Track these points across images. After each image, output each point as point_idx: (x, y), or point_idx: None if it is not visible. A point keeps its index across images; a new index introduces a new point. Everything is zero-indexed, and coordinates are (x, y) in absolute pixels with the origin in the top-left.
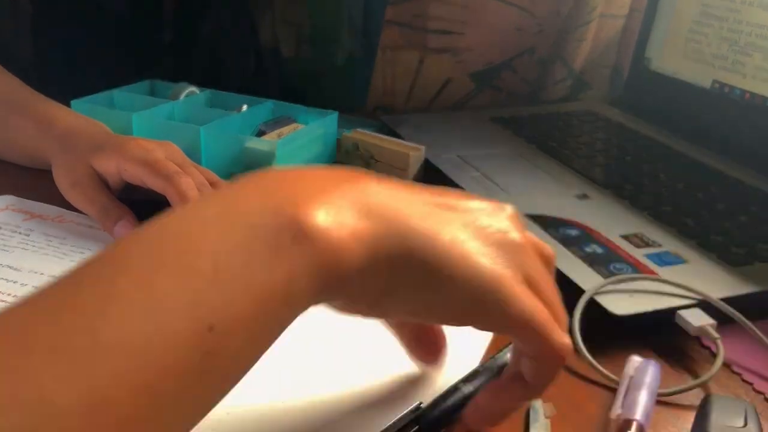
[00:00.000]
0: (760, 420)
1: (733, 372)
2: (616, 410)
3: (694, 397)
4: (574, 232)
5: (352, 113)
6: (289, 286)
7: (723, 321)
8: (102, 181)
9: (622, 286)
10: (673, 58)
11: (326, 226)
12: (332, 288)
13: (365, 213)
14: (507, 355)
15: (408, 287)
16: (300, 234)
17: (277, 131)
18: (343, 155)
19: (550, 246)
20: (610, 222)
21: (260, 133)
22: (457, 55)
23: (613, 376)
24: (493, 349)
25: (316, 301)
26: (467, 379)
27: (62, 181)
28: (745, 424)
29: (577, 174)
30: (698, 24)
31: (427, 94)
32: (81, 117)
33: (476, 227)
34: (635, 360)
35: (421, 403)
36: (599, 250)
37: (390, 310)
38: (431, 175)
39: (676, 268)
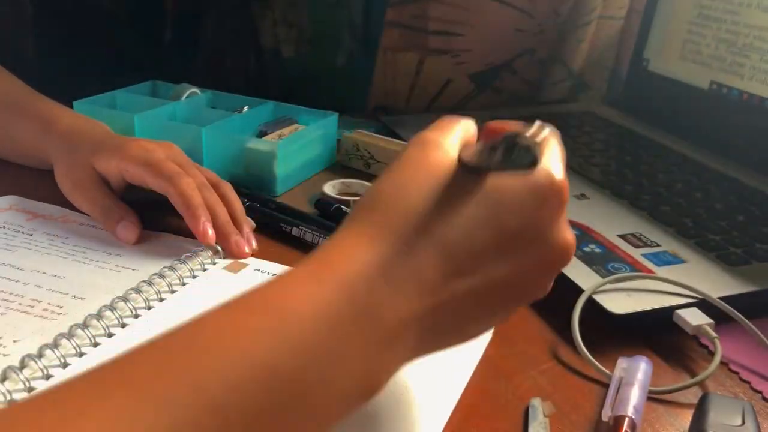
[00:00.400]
0: (757, 418)
1: (731, 371)
2: (607, 412)
3: (692, 396)
4: (573, 232)
5: (352, 114)
6: None
7: (720, 320)
8: (103, 182)
9: (621, 285)
10: (672, 59)
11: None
12: None
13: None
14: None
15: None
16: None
17: (277, 132)
18: (343, 156)
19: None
20: (609, 222)
21: (261, 134)
22: (457, 56)
23: (611, 375)
24: (487, 357)
25: None
26: None
27: (64, 182)
28: (743, 423)
29: (576, 174)
30: (696, 25)
31: (427, 95)
32: (82, 117)
33: (515, 291)
34: (623, 360)
35: None
36: (598, 250)
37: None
38: None
39: (674, 267)
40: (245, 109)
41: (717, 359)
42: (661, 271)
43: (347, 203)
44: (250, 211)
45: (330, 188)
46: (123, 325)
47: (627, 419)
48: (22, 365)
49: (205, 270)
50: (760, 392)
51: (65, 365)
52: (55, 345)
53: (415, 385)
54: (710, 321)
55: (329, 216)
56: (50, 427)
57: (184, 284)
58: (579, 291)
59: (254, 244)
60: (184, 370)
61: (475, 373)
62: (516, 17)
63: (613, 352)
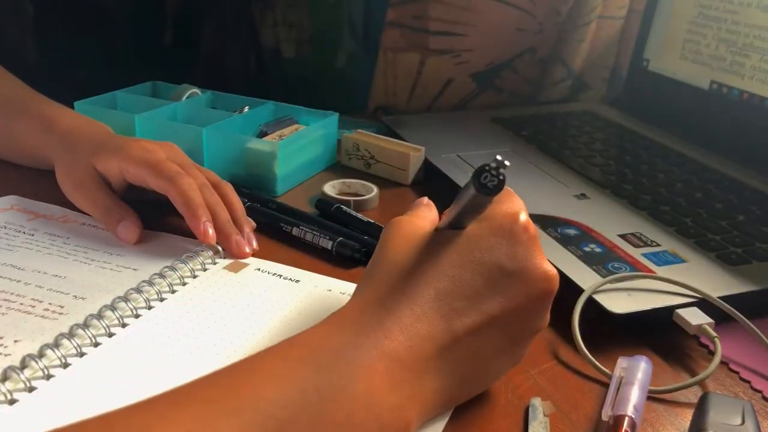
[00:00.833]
0: (757, 418)
1: (731, 370)
2: (607, 411)
3: (692, 395)
4: (573, 232)
5: (352, 114)
6: None
7: (721, 320)
8: (104, 182)
9: (621, 284)
10: (672, 59)
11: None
12: None
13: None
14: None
15: None
16: None
17: (278, 132)
18: (343, 156)
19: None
20: (609, 221)
21: (261, 134)
22: (458, 56)
23: (611, 374)
24: None
25: None
26: None
27: (65, 182)
28: (743, 422)
29: (577, 174)
30: (696, 25)
31: (428, 95)
32: (83, 118)
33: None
34: (623, 360)
35: None
36: (598, 250)
37: None
38: (431, 176)
39: (674, 267)
40: (246, 109)
41: (717, 359)
42: (662, 271)
43: (347, 203)
44: (250, 211)
45: (330, 188)
46: (124, 325)
47: (627, 419)
48: (23, 365)
49: (205, 270)
50: (760, 392)
51: (66, 365)
52: (55, 345)
53: None
54: (710, 320)
55: (329, 216)
56: (139, 428)
57: (184, 284)
58: (579, 291)
59: (255, 244)
60: (248, 388)
61: None
62: (517, 16)
63: (613, 352)
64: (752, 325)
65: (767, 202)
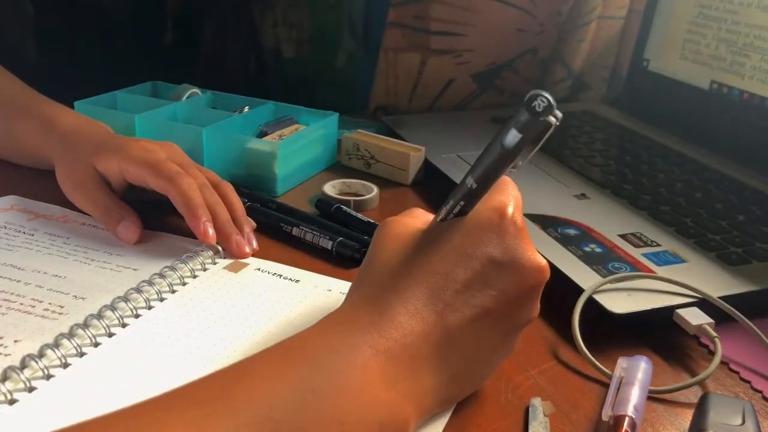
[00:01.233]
0: (757, 418)
1: (731, 370)
2: (607, 411)
3: (692, 395)
4: (573, 232)
5: (352, 114)
6: None
7: (721, 320)
8: (104, 182)
9: (621, 284)
10: (672, 59)
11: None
12: None
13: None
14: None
15: None
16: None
17: (278, 132)
18: (343, 156)
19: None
20: (609, 221)
21: (261, 134)
22: (459, 56)
23: (611, 374)
24: None
25: None
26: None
27: (65, 182)
28: (743, 422)
29: (577, 174)
30: (696, 25)
31: (429, 95)
32: (83, 117)
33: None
34: (623, 360)
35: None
36: (598, 250)
37: None
38: (431, 176)
39: (674, 267)
40: (246, 109)
41: (717, 359)
42: (662, 271)
43: (347, 203)
44: (250, 211)
45: (330, 188)
46: (124, 325)
47: (627, 419)
48: (23, 365)
49: (205, 270)
50: (760, 392)
51: (66, 365)
52: (55, 345)
53: None
54: (710, 320)
55: (329, 216)
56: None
57: (184, 284)
58: (579, 291)
59: (255, 244)
60: (244, 390)
61: None
62: (517, 17)
63: (613, 352)
64: (752, 325)
65: (767, 202)
